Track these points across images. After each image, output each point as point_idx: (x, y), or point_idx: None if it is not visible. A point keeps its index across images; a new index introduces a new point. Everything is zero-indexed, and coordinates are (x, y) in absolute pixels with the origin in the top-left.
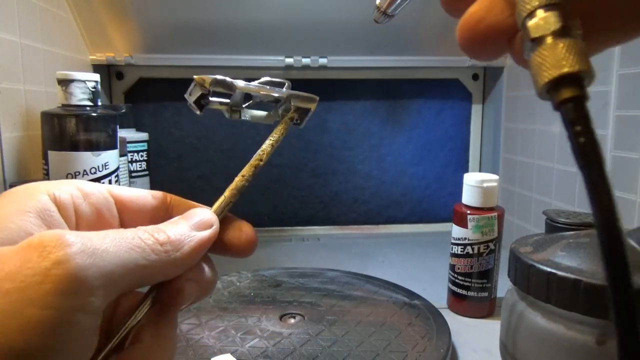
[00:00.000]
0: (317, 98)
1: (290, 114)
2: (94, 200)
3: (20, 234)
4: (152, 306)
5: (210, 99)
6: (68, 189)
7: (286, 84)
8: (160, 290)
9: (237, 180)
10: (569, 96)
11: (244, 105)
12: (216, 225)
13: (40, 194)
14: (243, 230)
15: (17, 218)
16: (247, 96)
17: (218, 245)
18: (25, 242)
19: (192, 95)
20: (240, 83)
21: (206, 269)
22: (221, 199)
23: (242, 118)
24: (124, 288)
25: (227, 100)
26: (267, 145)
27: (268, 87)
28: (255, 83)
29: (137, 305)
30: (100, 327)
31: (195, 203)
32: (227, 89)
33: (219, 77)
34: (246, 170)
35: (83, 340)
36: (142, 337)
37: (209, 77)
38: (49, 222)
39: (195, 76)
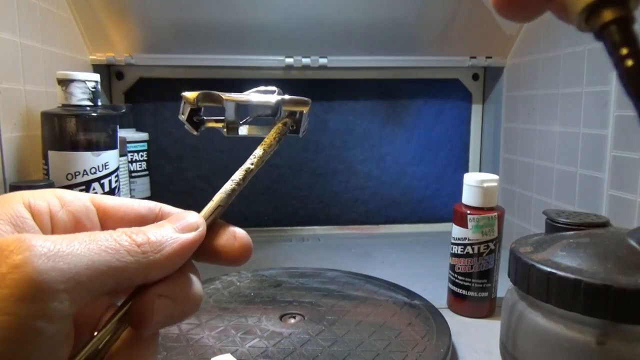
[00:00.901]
0: (309, 100)
1: (283, 119)
2: (72, 208)
3: None
4: (129, 326)
5: (205, 117)
6: (45, 197)
7: (276, 91)
8: (130, 307)
9: (227, 185)
10: (612, 18)
11: (240, 122)
12: (202, 228)
13: (15, 202)
14: (237, 236)
15: None
16: (242, 113)
17: (209, 253)
18: None
19: (183, 114)
20: (227, 94)
21: (189, 283)
22: (210, 203)
23: (240, 134)
24: (97, 292)
25: (222, 118)
26: (259, 150)
27: (257, 95)
28: (245, 93)
29: (106, 322)
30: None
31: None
32: (214, 102)
33: (205, 91)
34: (237, 175)
35: (49, 348)
36: None
37: (195, 92)
38: (22, 228)
39: (182, 93)
